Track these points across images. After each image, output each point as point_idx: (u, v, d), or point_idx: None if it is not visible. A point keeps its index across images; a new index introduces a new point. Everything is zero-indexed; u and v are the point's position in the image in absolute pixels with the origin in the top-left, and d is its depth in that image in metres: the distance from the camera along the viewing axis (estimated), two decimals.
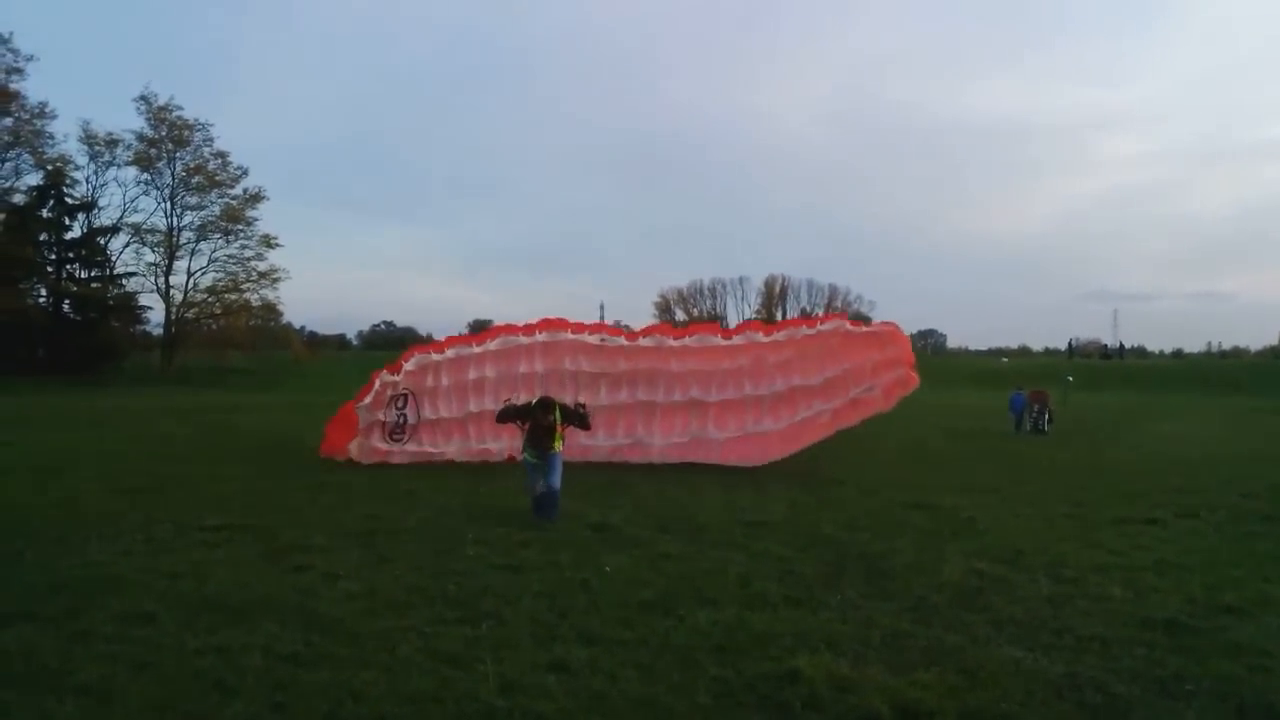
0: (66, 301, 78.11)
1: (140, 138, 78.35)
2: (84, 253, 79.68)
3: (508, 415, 15.28)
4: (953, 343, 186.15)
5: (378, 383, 21.38)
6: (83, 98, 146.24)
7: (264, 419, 36.23)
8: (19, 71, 71.15)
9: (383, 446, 21.14)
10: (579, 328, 22.31)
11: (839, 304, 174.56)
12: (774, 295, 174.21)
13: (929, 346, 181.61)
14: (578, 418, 15.14)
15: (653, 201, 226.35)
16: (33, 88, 70.45)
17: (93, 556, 10.82)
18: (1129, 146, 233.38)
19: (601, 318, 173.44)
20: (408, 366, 21.47)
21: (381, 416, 21.26)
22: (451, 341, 22.50)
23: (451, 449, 21.44)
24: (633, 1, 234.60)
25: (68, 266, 79.65)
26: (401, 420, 21.35)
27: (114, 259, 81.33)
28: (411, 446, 21.25)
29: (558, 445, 14.37)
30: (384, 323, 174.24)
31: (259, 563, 10.71)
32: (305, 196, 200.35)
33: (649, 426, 21.62)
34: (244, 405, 46.33)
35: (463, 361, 21.69)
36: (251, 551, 11.31)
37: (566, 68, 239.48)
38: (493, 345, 21.92)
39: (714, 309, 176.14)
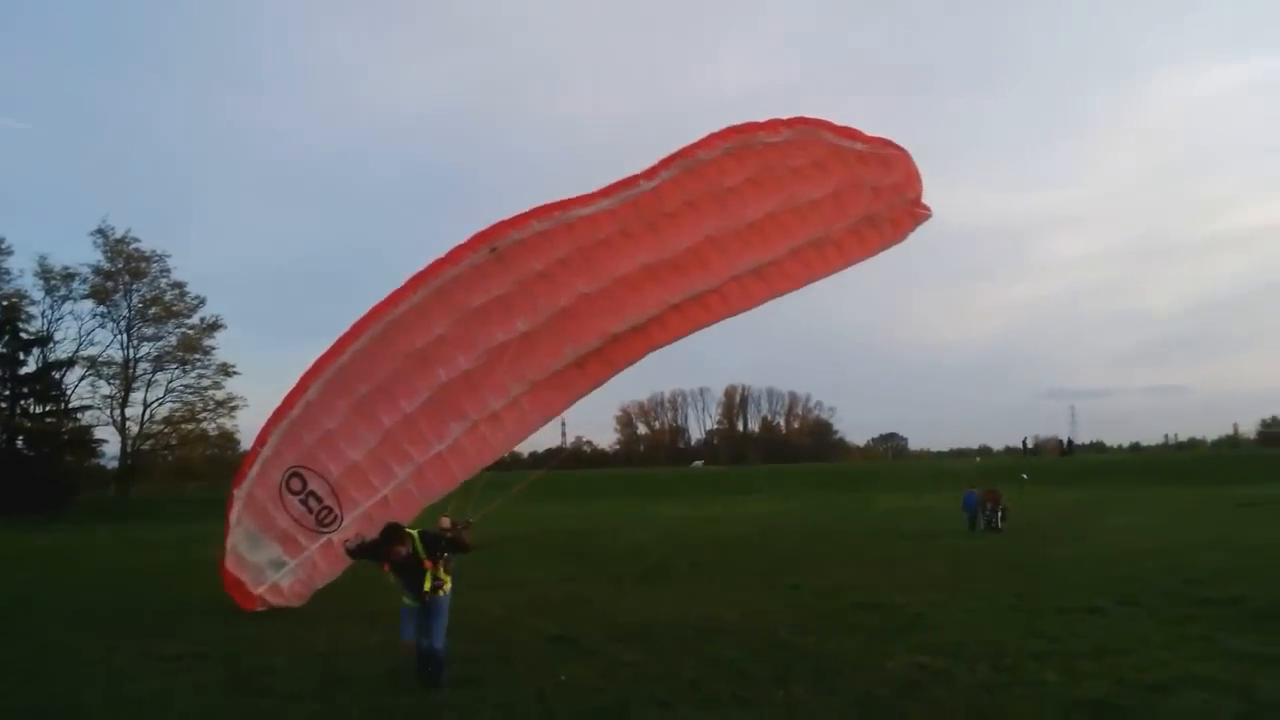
0: (20, 438, 77.46)
1: (97, 271, 78.64)
2: (39, 387, 79.22)
3: (358, 555, 11.98)
4: (915, 445, 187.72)
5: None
6: (39, 233, 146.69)
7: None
8: None
9: (317, 562, 16.72)
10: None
11: (799, 410, 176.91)
12: (735, 405, 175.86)
13: (890, 451, 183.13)
14: (447, 543, 11.45)
15: None
16: None
17: (58, 687, 11.02)
18: (1077, 247, 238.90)
19: (563, 436, 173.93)
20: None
21: (285, 514, 16.42)
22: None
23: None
24: (588, 127, 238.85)
25: (22, 402, 79.12)
26: (315, 505, 16.47)
27: (69, 392, 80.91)
28: (353, 530, 15.77)
29: (430, 586, 10.97)
30: None
31: (220, 688, 10.95)
32: (261, 322, 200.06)
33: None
34: (202, 536, 46.03)
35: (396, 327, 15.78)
36: (213, 677, 11.54)
37: (515, 191, 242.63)
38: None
39: (675, 420, 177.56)
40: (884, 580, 19.92)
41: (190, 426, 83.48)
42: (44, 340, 78.96)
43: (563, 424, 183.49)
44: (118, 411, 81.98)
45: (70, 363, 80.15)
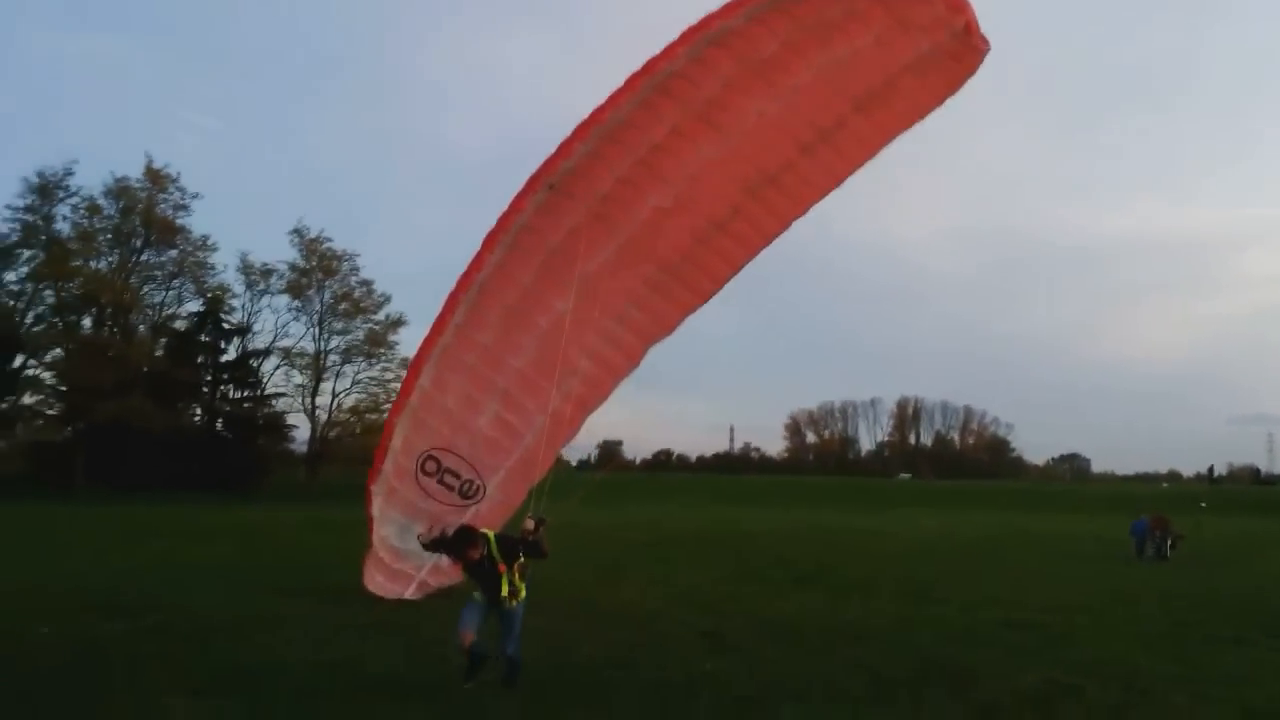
0: (220, 420, 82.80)
1: (293, 268, 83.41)
2: (238, 374, 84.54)
3: (434, 549, 12.19)
4: (1098, 467, 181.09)
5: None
6: (242, 231, 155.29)
7: None
8: (185, 208, 76.81)
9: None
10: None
11: (974, 426, 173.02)
12: (906, 417, 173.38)
13: (1070, 472, 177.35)
14: (526, 546, 11.02)
15: (781, 323, 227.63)
16: (196, 222, 75.98)
17: (266, 648, 12.51)
18: (1273, 265, 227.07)
19: (731, 442, 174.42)
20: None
21: (428, 498, 16.18)
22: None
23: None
24: None
25: (222, 387, 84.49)
26: (455, 480, 16.28)
27: (265, 380, 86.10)
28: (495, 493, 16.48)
29: (507, 592, 10.69)
30: None
31: (403, 655, 12.25)
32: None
33: None
34: None
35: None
36: (396, 646, 12.86)
37: None
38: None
39: (845, 431, 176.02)
40: (1036, 600, 20.05)
41: (374, 416, 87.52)
42: (243, 331, 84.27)
43: (731, 429, 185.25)
44: (309, 399, 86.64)
45: (267, 352, 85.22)
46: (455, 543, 10.92)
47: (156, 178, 75.20)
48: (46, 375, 73.96)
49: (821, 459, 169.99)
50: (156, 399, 70.46)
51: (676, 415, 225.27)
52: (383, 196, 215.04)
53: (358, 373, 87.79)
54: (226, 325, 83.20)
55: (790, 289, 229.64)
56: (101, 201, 73.86)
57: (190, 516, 44.19)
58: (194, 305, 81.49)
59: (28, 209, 71.48)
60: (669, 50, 13.10)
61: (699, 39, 13.09)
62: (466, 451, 16.18)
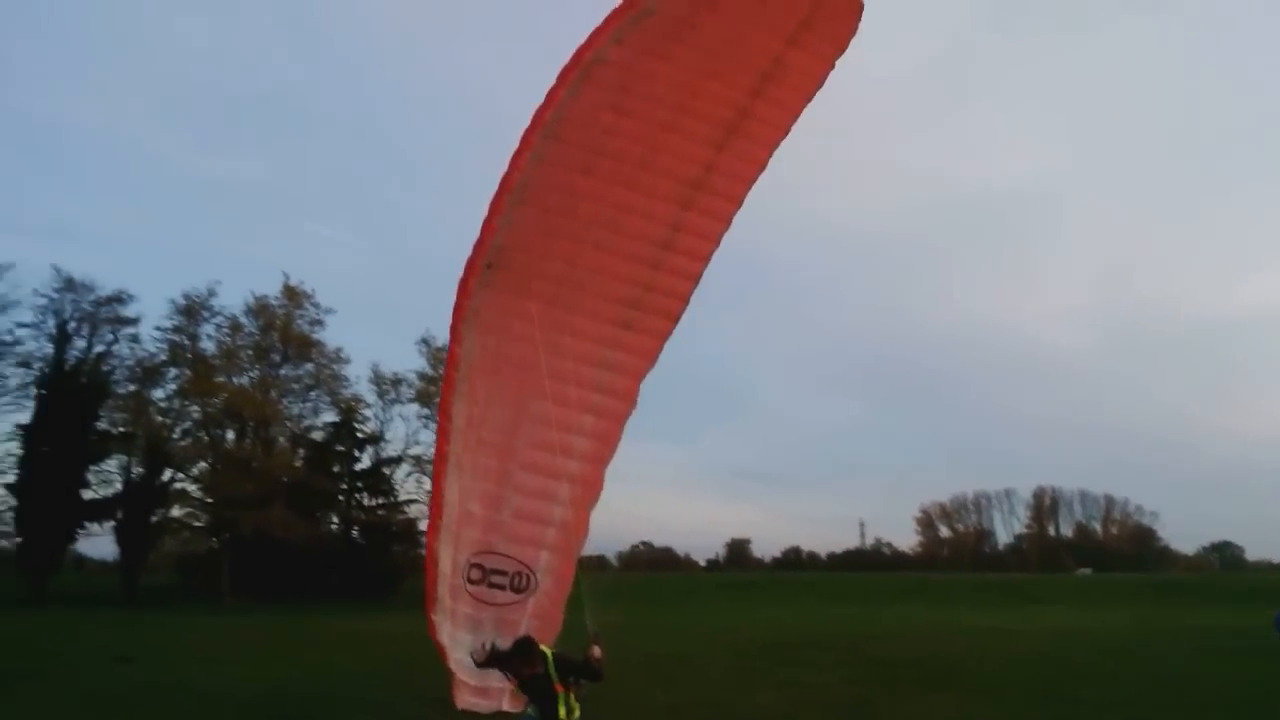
0: (355, 528, 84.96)
1: (421, 376, 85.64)
2: (371, 482, 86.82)
3: (488, 665, 12.05)
4: (1253, 554, 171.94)
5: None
6: (372, 343, 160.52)
7: None
8: (320, 323, 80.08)
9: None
10: None
11: (1116, 515, 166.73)
12: (1044, 508, 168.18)
13: (1221, 560, 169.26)
14: (585, 670, 10.79)
15: (907, 415, 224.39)
16: (330, 336, 79.06)
17: None
18: None
19: (862, 537, 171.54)
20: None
21: (483, 605, 15.44)
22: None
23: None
24: (871, 217, 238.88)
25: (356, 495, 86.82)
26: (502, 579, 15.76)
27: (397, 487, 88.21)
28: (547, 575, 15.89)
29: (564, 714, 10.47)
30: (642, 543, 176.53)
31: None
32: None
33: None
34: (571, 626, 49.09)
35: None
36: None
37: (808, 283, 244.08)
38: None
39: (979, 523, 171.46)
40: (1169, 699, 19.55)
41: None
42: (376, 439, 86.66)
43: (860, 524, 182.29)
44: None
45: (398, 460, 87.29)
46: (511, 658, 10.78)
47: (293, 295, 78.76)
48: (193, 488, 77.15)
49: (956, 553, 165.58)
50: (296, 509, 72.76)
51: (805, 511, 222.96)
52: None
53: None
54: (360, 434, 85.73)
55: (915, 376, 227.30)
56: (243, 320, 77.57)
57: (331, 625, 45.43)
58: (330, 416, 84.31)
59: (175, 330, 75.54)
60: (550, 97, 13.14)
61: (573, 79, 13.11)
62: (504, 547, 15.69)
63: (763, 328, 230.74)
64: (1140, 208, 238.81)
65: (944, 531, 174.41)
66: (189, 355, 75.66)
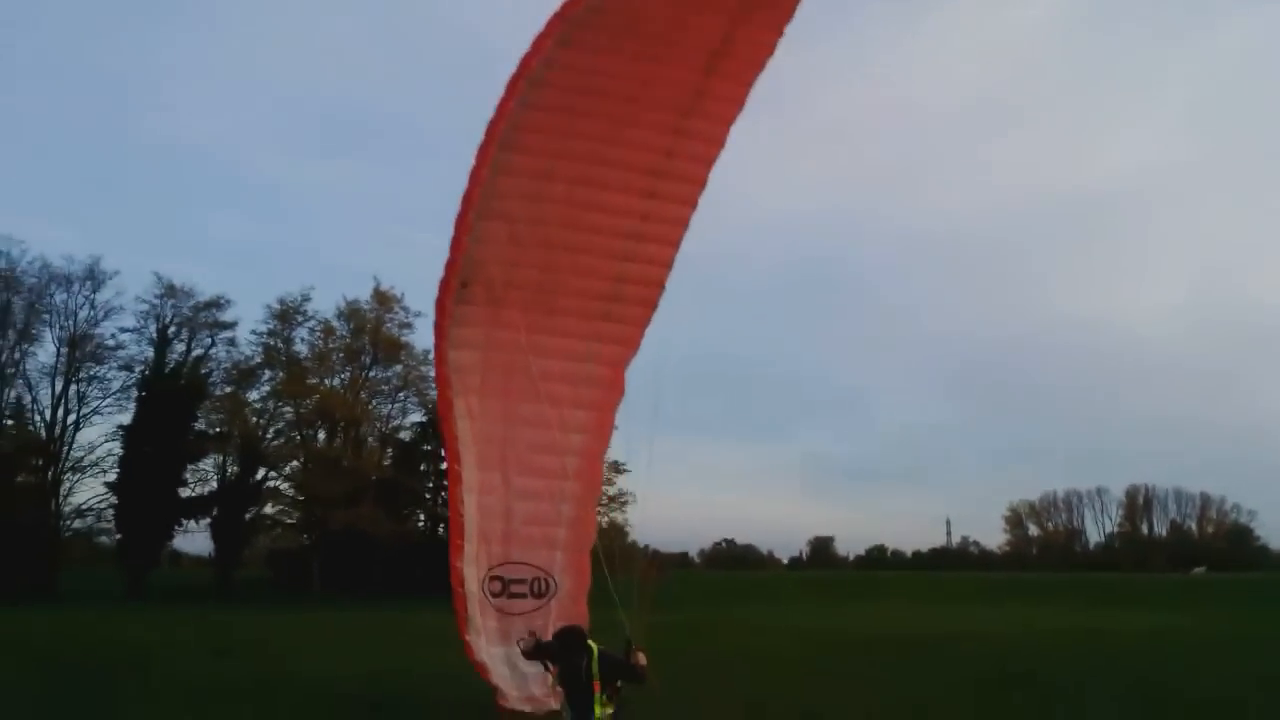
0: (441, 525, 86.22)
1: None
2: None
3: (533, 656, 11.99)
4: None
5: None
6: None
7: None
8: (409, 326, 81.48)
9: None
10: None
11: (1213, 514, 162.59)
12: (1136, 507, 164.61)
13: None
14: (625, 669, 10.64)
15: (997, 413, 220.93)
16: (419, 338, 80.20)
17: None
18: None
19: (949, 536, 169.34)
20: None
21: (510, 616, 15.47)
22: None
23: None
24: (969, 212, 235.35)
25: (443, 493, 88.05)
26: (522, 587, 15.67)
27: None
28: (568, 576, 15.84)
29: (599, 713, 10.25)
30: (725, 540, 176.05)
31: None
32: (639, 415, 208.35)
33: None
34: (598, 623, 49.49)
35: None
36: None
37: (897, 284, 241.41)
38: None
39: (1070, 522, 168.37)
40: (1267, 702, 19.28)
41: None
42: None
43: (947, 523, 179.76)
44: None
45: None
46: (559, 647, 10.57)
47: (383, 299, 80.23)
48: (285, 486, 79.51)
49: (1045, 553, 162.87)
50: (384, 506, 74.22)
51: (890, 510, 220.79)
52: None
53: None
54: None
55: (1006, 374, 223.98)
56: (335, 323, 79.59)
57: (419, 620, 46.24)
58: (417, 416, 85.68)
59: (270, 333, 77.82)
60: (500, 109, 13.08)
61: (521, 88, 13.02)
62: (519, 555, 15.58)
63: (852, 328, 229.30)
64: (1238, 204, 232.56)
65: (1033, 530, 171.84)
66: (283, 358, 77.85)
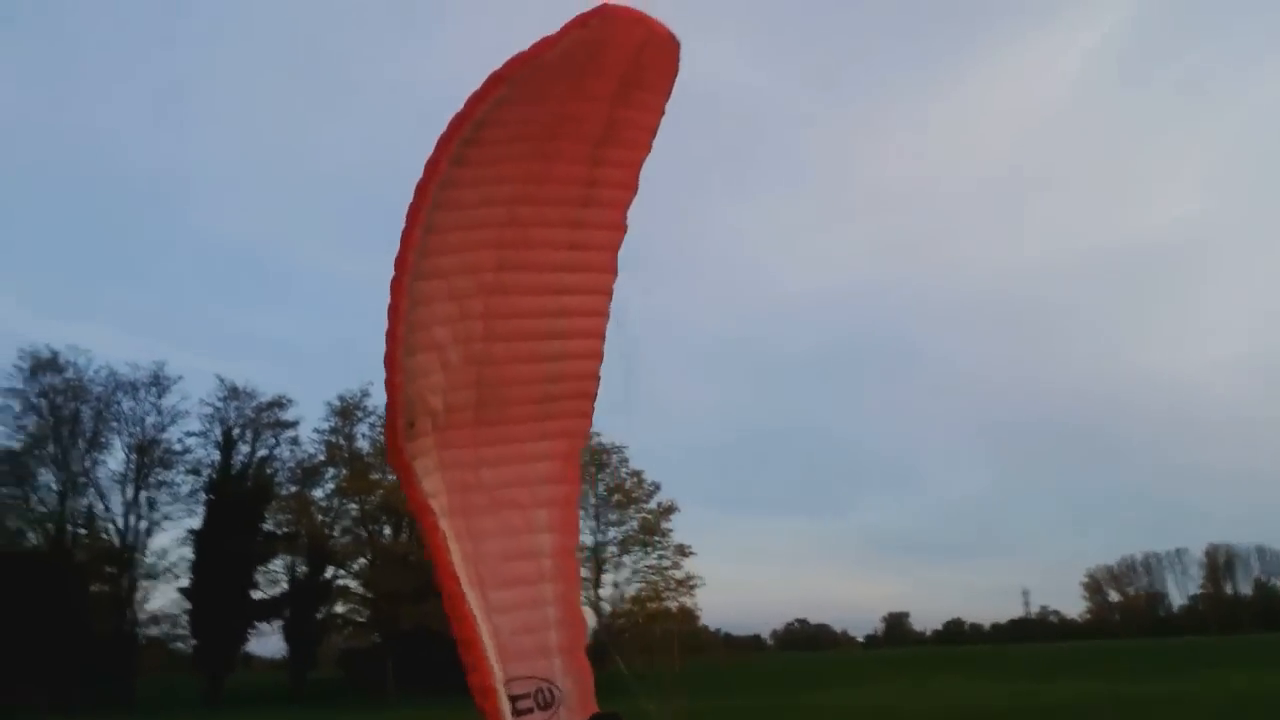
0: None
1: None
2: None
3: None
4: None
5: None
6: None
7: None
8: None
9: None
10: None
11: None
12: (1218, 566, 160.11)
13: None
14: None
15: (1064, 476, 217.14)
16: None
17: None
18: None
19: (1026, 606, 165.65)
20: None
21: None
22: None
23: None
24: (1020, 272, 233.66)
25: None
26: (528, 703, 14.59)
27: None
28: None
29: None
30: (797, 620, 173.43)
31: None
32: (701, 497, 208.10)
33: None
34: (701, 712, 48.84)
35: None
36: None
37: (950, 348, 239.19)
38: None
39: (1151, 586, 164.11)
40: None
41: (655, 604, 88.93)
42: None
43: (1024, 592, 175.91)
44: (592, 592, 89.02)
45: None
46: None
47: None
48: (354, 584, 79.29)
49: (1128, 618, 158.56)
50: None
51: (964, 582, 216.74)
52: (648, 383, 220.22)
53: (636, 562, 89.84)
54: None
55: (1070, 435, 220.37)
56: None
57: None
58: None
59: (332, 430, 78.55)
60: (406, 240, 12.74)
61: (423, 217, 12.73)
62: (517, 670, 14.51)
63: (909, 398, 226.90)
64: None
65: (1113, 596, 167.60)
66: (345, 454, 78.25)
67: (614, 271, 14.86)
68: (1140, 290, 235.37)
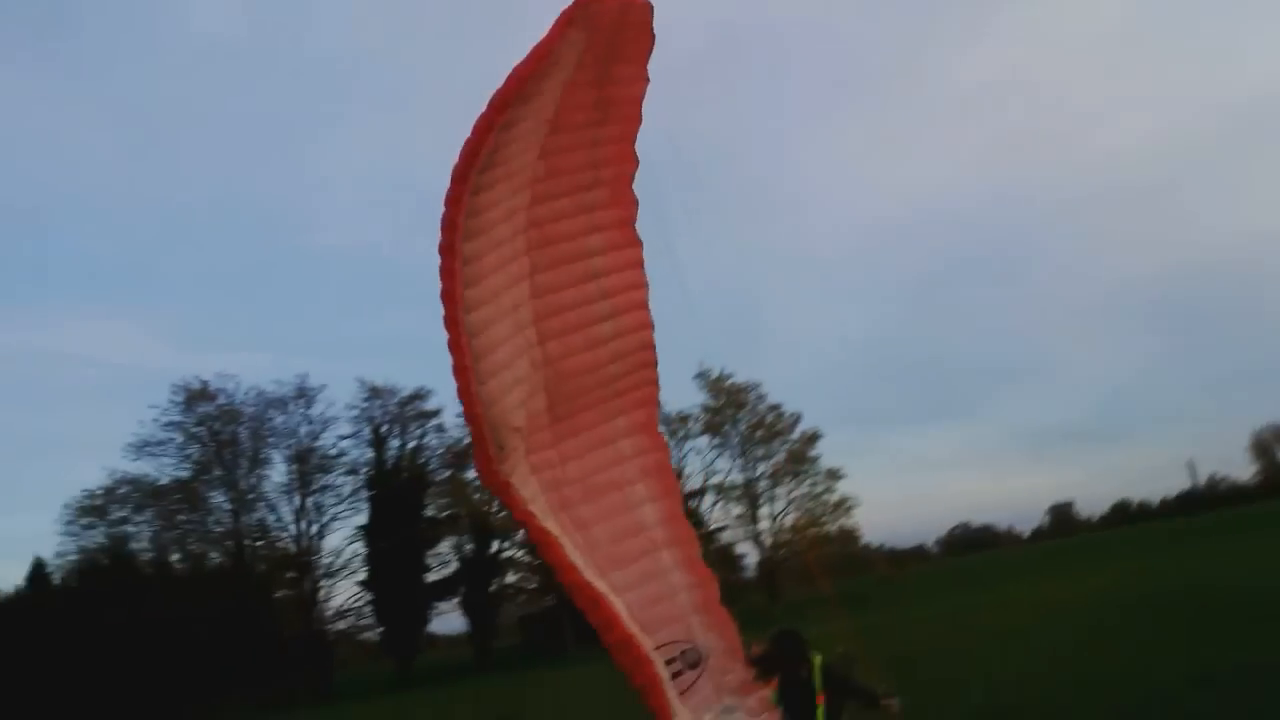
0: None
1: (705, 409, 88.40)
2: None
3: (758, 666, 10.57)
4: None
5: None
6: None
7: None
8: None
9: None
10: None
11: None
12: None
13: None
14: (861, 693, 9.44)
15: (1215, 345, 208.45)
16: None
17: None
18: None
19: (1193, 477, 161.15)
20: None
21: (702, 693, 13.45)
22: None
23: None
24: (1133, 149, 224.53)
25: None
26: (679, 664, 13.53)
27: (706, 518, 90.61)
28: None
29: None
30: (960, 525, 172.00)
31: None
32: (844, 421, 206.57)
33: None
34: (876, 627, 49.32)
35: None
36: None
37: (1081, 221, 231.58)
38: None
39: None
40: None
41: (815, 530, 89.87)
42: (678, 475, 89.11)
43: (1190, 464, 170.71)
44: (750, 528, 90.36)
45: (701, 492, 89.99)
46: (778, 653, 9.81)
47: None
48: (520, 553, 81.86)
49: None
50: None
51: (1127, 462, 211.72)
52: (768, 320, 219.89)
53: (789, 493, 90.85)
54: None
55: (1214, 298, 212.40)
56: None
57: None
58: None
59: None
60: (448, 267, 12.04)
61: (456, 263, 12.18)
62: (658, 638, 13.69)
63: (1046, 284, 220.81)
64: None
65: None
66: None
67: (638, 244, 15.48)
68: (1244, 148, 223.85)
